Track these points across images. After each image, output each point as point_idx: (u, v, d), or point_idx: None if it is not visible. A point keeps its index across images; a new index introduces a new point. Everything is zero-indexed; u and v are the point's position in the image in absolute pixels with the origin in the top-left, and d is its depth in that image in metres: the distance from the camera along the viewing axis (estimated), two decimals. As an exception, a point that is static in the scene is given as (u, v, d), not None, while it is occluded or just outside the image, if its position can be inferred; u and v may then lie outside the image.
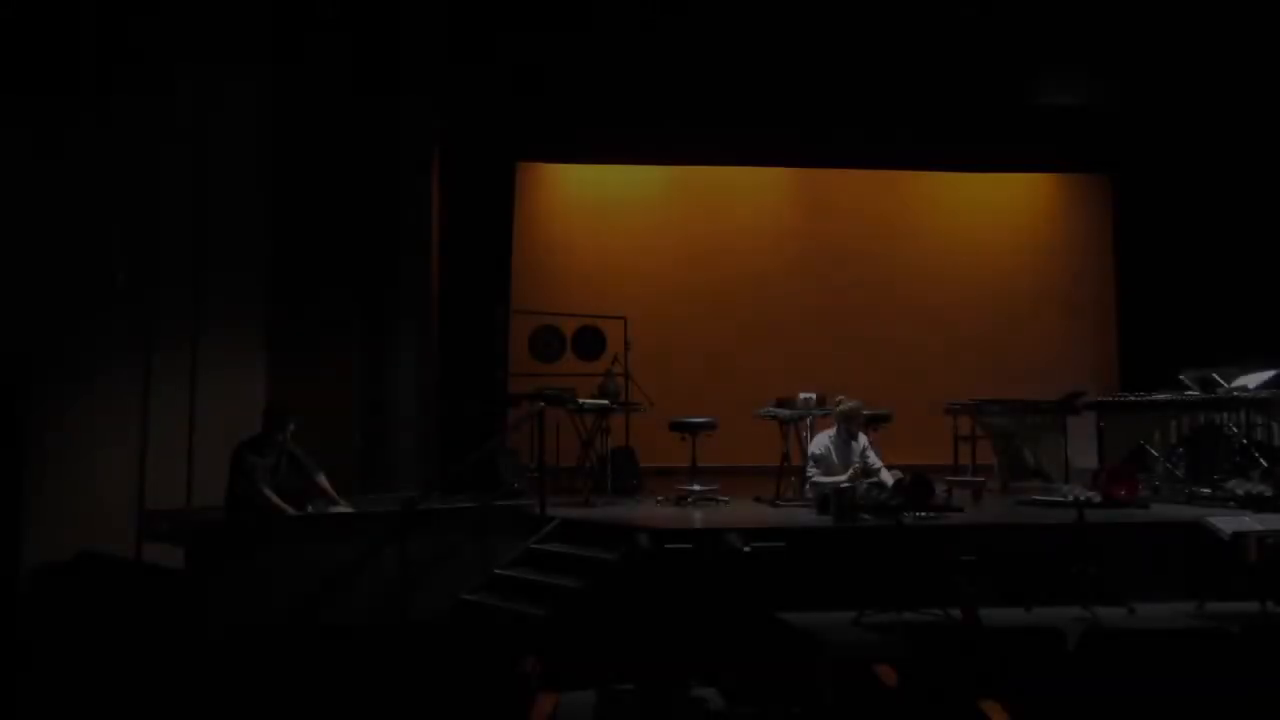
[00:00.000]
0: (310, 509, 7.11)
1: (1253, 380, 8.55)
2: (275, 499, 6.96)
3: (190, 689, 3.82)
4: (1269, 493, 6.99)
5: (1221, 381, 8.55)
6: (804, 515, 7.59)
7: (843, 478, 7.35)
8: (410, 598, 6.72)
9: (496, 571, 7.22)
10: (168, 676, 3.86)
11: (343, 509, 7.23)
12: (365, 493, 8.49)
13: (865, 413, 7.95)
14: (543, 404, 8.02)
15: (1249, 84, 10.40)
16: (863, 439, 7.81)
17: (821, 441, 7.74)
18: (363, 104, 9.22)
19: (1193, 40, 9.68)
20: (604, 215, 12.37)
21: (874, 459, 7.67)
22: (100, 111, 7.87)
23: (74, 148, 7.84)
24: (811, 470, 7.69)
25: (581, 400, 9.02)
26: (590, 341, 10.41)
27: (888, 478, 7.40)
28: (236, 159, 8.77)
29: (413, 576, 6.79)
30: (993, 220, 12.91)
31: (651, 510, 8.17)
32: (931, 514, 6.82)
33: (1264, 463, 8.07)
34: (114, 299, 7.92)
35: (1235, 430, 8.49)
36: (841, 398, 7.89)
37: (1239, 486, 7.30)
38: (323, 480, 7.27)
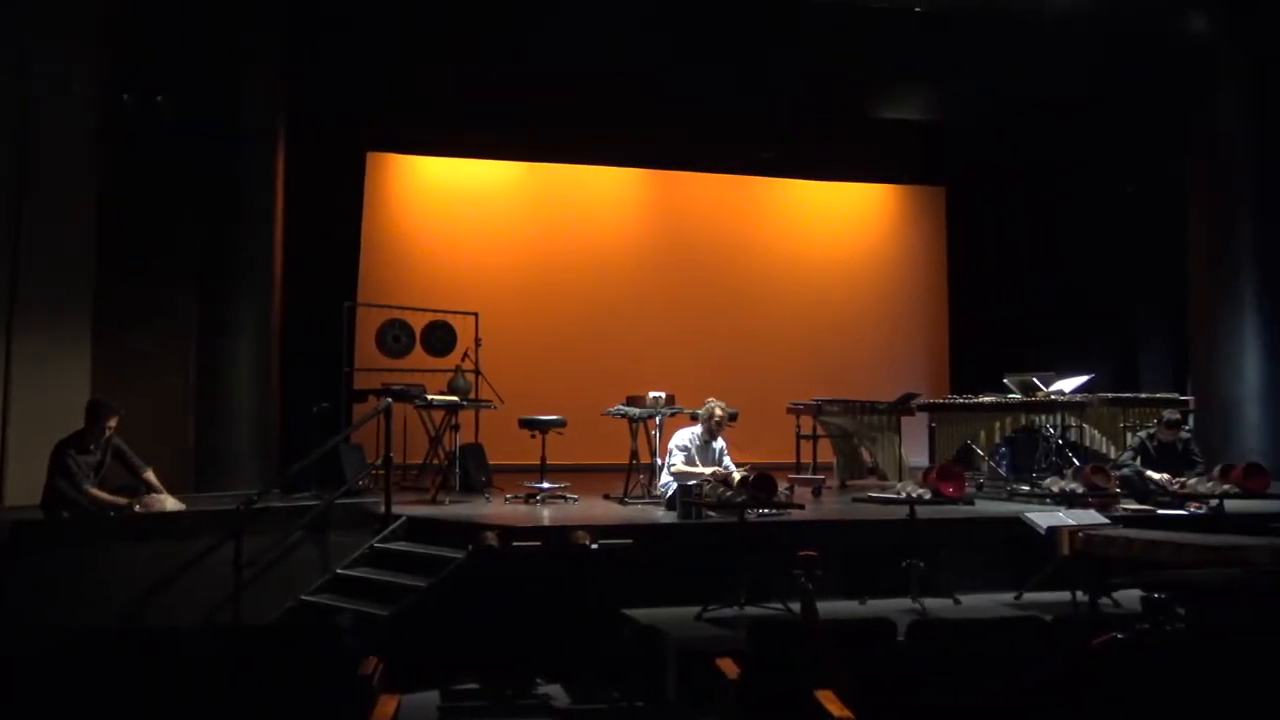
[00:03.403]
0: (137, 507, 6.78)
1: (1068, 385, 9.17)
2: (103, 495, 6.66)
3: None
4: (1081, 490, 7.46)
5: (1040, 386, 9.11)
6: (652, 513, 7.69)
7: (706, 471, 7.39)
8: (246, 598, 6.48)
9: (339, 571, 7.03)
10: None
11: (173, 507, 6.92)
12: (201, 490, 8.15)
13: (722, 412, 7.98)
14: (390, 399, 7.85)
15: (1069, 102, 11.12)
16: (721, 441, 7.83)
17: (686, 435, 7.72)
18: (202, 83, 8.79)
19: (1021, 58, 10.29)
20: (456, 209, 12.23)
21: (729, 462, 7.70)
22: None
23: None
24: (676, 456, 7.58)
25: (430, 396, 8.89)
26: (440, 337, 10.27)
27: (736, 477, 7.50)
28: (63, 136, 8.23)
29: (249, 576, 6.55)
30: (837, 228, 13.41)
31: (500, 508, 8.12)
32: (773, 511, 6.98)
33: (1076, 462, 8.66)
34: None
35: (1052, 431, 9.08)
36: (711, 400, 7.89)
37: (1054, 484, 7.75)
38: (151, 476, 6.98)
